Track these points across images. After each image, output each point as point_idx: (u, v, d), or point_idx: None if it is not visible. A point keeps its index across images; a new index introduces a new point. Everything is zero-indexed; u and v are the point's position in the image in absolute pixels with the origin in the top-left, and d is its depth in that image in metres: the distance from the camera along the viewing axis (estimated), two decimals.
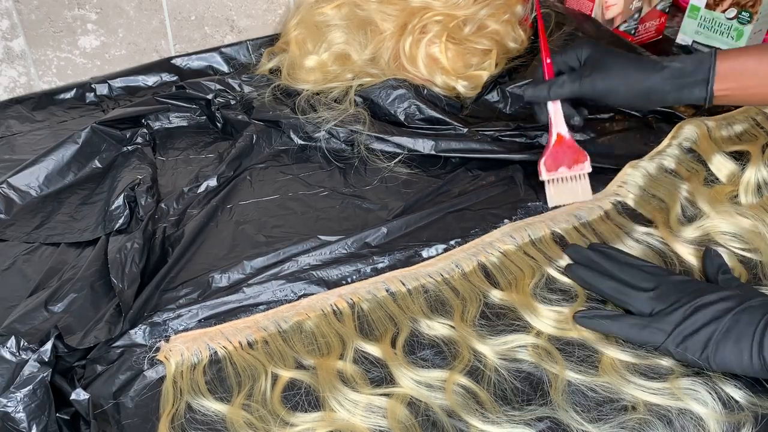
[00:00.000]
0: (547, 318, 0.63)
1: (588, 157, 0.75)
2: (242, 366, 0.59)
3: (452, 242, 0.72)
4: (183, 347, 0.60)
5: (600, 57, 0.74)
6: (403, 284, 0.67)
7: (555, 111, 0.76)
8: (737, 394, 0.56)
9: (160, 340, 0.62)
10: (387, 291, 0.66)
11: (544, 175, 0.76)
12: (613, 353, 0.60)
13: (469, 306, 0.64)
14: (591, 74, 0.73)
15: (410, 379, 0.58)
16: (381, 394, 0.57)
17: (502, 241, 0.71)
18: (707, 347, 0.56)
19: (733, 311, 0.57)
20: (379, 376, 0.58)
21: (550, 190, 0.76)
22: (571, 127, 0.77)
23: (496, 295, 0.66)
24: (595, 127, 0.87)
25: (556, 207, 0.76)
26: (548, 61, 0.76)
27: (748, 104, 0.84)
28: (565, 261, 0.69)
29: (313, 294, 0.67)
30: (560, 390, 0.56)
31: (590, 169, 0.75)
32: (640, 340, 0.60)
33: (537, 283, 0.67)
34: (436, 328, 0.63)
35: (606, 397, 0.56)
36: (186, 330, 0.63)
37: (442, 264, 0.69)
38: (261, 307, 0.65)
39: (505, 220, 0.74)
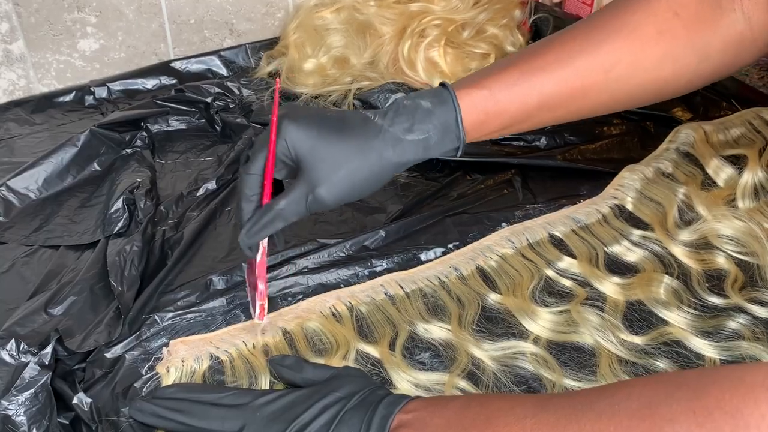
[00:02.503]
0: (547, 321, 0.63)
1: (260, 310, 0.60)
2: (242, 370, 0.59)
3: (450, 246, 0.72)
4: (183, 354, 0.60)
5: (318, 154, 0.55)
6: (402, 287, 0.67)
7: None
8: None
9: (160, 345, 0.62)
10: (385, 294, 0.66)
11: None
12: (611, 355, 0.60)
13: (467, 310, 0.64)
14: (316, 190, 0.55)
15: (408, 382, 0.58)
16: None
17: (500, 244, 0.71)
18: None
19: (330, 431, 0.49)
20: (378, 379, 0.59)
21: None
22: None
23: (494, 299, 0.66)
24: (592, 131, 0.87)
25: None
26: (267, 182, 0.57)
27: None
28: (565, 263, 0.69)
29: (310, 297, 0.67)
30: None
31: (257, 320, 0.61)
32: None
33: (536, 286, 0.67)
34: (434, 331, 0.63)
35: None
36: (186, 333, 0.63)
37: (440, 267, 0.69)
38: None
39: (503, 224, 0.74)
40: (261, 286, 0.58)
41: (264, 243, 0.58)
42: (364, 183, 0.57)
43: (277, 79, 0.59)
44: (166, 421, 0.53)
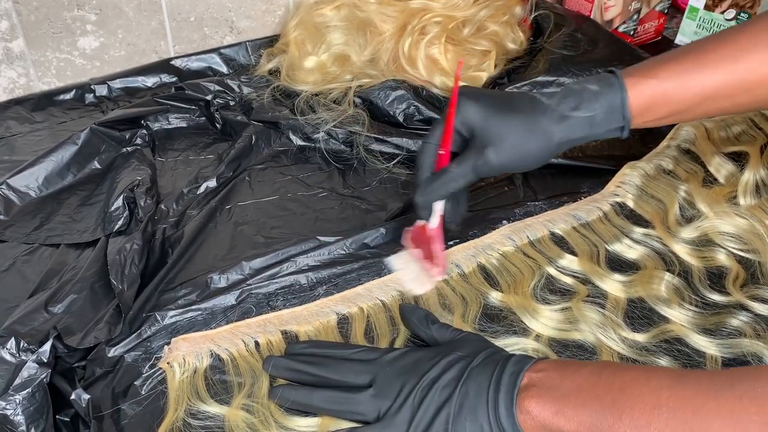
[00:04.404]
0: (548, 319, 0.63)
1: (440, 270, 0.65)
2: (244, 368, 0.59)
3: (451, 243, 0.72)
4: (184, 351, 0.60)
5: (490, 126, 0.61)
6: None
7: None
8: None
9: (161, 344, 0.62)
10: (399, 292, 0.66)
11: (403, 241, 0.69)
12: (612, 352, 0.60)
13: (469, 307, 0.64)
14: (485, 153, 0.60)
15: None
16: None
17: (501, 242, 0.71)
18: None
19: (459, 384, 0.51)
20: None
21: (401, 257, 0.69)
22: (446, 231, 0.66)
23: (495, 297, 0.66)
24: None
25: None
26: (442, 151, 0.63)
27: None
28: (566, 261, 0.69)
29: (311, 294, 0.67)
30: None
31: (438, 278, 0.65)
32: None
33: (537, 284, 0.67)
34: None
35: None
36: (186, 332, 0.63)
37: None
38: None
39: (504, 221, 0.74)
40: (438, 249, 0.64)
41: (440, 211, 0.64)
42: (529, 153, 0.61)
43: (460, 60, 0.66)
44: (301, 374, 0.57)
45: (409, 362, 0.54)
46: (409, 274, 0.67)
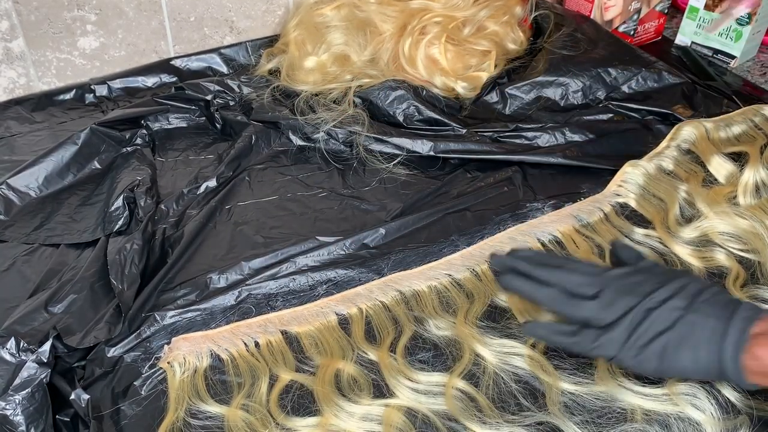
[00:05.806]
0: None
1: None
2: (244, 368, 0.59)
3: (449, 239, 0.72)
4: (185, 351, 0.60)
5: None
6: (410, 286, 0.67)
7: None
8: (734, 396, 0.56)
9: (161, 344, 0.62)
10: (398, 292, 0.66)
11: None
12: None
13: (474, 305, 0.64)
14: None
15: (407, 388, 0.57)
16: (378, 405, 0.56)
17: (504, 243, 0.71)
18: (663, 357, 0.53)
19: (684, 315, 0.53)
20: (380, 379, 0.58)
21: None
22: None
23: (503, 298, 0.66)
24: (593, 129, 0.87)
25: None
26: None
27: None
28: None
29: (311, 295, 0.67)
30: (555, 401, 0.56)
31: None
32: (594, 354, 0.55)
33: None
34: (443, 327, 0.63)
35: (604, 406, 0.56)
36: (186, 332, 0.63)
37: (441, 269, 0.69)
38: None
39: (505, 221, 0.74)
40: None
41: None
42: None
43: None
44: (524, 279, 0.59)
45: (636, 281, 0.56)
46: None
